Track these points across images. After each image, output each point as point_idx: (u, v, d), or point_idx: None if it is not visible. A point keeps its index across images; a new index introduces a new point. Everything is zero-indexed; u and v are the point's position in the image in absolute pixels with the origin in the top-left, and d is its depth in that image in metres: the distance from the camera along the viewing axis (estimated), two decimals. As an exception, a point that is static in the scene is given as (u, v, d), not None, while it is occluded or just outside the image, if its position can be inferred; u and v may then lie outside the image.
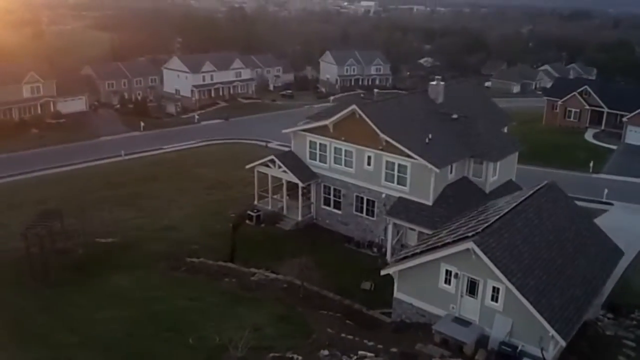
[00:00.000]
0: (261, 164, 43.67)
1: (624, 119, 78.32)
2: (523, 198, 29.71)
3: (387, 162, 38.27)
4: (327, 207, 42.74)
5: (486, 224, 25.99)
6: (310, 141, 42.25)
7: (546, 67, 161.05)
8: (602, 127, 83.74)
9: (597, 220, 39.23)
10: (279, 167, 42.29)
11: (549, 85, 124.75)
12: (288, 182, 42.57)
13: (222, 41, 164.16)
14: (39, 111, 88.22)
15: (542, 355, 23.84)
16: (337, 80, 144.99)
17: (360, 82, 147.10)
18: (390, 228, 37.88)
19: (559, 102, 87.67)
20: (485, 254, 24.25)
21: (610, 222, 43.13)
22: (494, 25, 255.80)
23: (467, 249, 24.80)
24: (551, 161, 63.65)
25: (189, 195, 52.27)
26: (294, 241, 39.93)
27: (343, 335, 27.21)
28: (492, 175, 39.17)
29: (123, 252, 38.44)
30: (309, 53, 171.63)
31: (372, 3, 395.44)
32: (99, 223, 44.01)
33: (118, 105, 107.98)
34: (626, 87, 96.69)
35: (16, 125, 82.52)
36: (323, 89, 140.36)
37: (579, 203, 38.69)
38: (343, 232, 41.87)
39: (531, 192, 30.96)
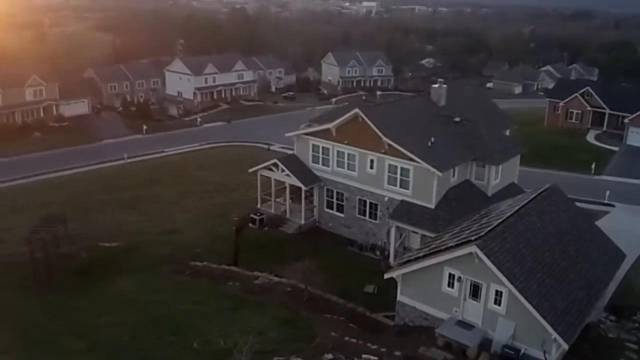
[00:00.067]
0: (264, 168, 43.75)
1: (626, 121, 78.39)
2: (525, 201, 29.78)
3: (389, 165, 38.28)
4: (330, 211, 42.82)
5: (489, 228, 26.06)
6: (313, 144, 42.35)
7: (548, 67, 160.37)
8: (604, 129, 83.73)
9: (599, 222, 39.46)
10: (282, 170, 42.34)
11: (550, 85, 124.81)
12: (291, 186, 42.65)
13: (224, 42, 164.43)
14: (42, 114, 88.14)
15: (545, 358, 23.95)
16: (339, 81, 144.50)
17: (362, 84, 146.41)
18: (393, 231, 37.92)
19: (561, 104, 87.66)
20: (488, 257, 24.36)
21: (612, 223, 43.29)
22: (495, 26, 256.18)
23: (470, 253, 24.93)
24: (553, 163, 63.77)
25: (192, 199, 52.39)
26: (297, 244, 40.05)
27: (347, 338, 27.31)
28: (495, 178, 39.24)
29: (126, 256, 38.56)
30: (311, 54, 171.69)
31: (373, 3, 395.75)
32: (102, 227, 44.18)
33: (120, 108, 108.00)
34: (628, 89, 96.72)
35: (19, 128, 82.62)
36: (325, 91, 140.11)
37: (580, 205, 38.77)
38: (346, 235, 41.90)
39: (533, 195, 31.05)
